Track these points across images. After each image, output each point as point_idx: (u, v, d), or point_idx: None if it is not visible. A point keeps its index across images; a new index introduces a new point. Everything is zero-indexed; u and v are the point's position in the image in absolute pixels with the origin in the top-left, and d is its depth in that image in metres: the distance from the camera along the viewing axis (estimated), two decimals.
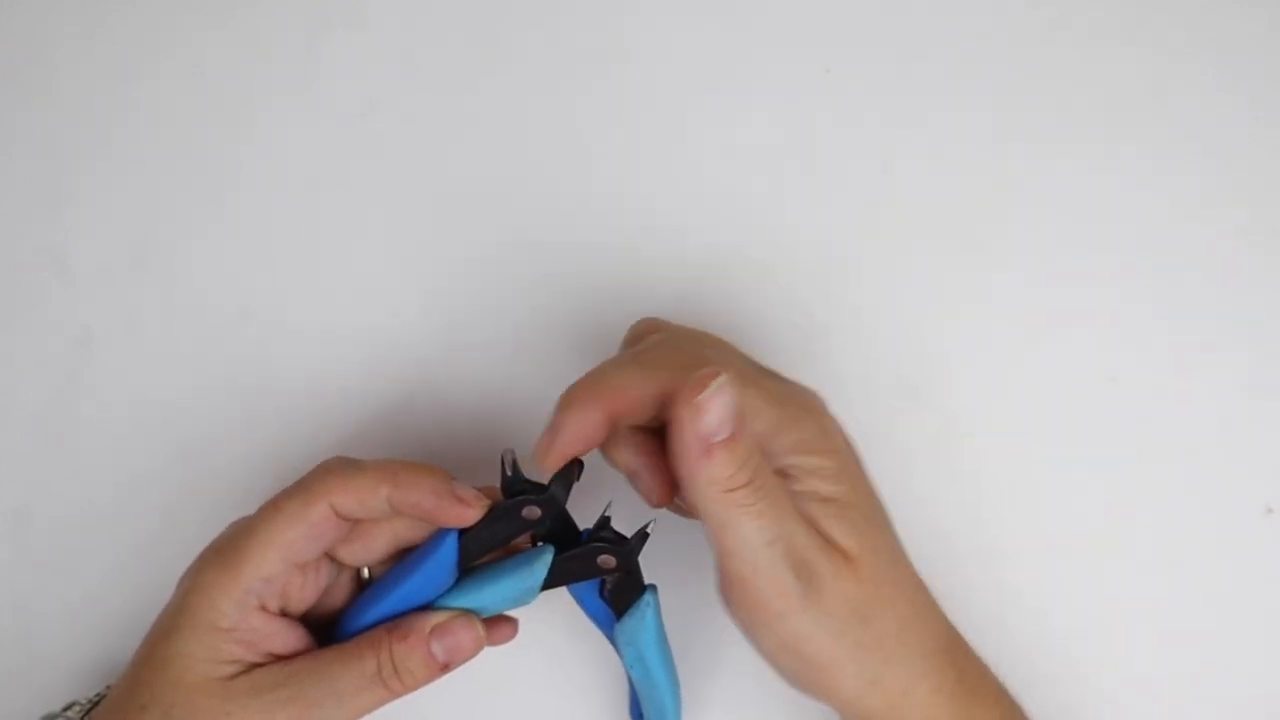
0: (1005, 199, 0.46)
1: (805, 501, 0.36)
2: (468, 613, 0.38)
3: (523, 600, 0.38)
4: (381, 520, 0.39)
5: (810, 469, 0.36)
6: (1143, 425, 0.45)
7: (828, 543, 0.36)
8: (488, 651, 0.38)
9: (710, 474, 0.35)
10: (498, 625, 0.41)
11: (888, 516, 0.38)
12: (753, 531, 0.35)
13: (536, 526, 0.38)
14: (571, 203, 0.47)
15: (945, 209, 0.46)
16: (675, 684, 0.40)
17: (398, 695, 0.37)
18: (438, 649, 0.37)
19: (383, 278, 0.47)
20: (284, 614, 0.38)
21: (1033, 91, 0.47)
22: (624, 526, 0.38)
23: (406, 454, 0.46)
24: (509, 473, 0.37)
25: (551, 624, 0.44)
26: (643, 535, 0.38)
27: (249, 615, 0.37)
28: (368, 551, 0.39)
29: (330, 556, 0.39)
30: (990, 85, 0.47)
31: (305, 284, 0.47)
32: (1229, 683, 0.44)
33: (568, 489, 0.38)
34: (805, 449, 0.37)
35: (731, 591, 0.36)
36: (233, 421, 0.46)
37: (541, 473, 0.37)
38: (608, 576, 0.38)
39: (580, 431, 0.36)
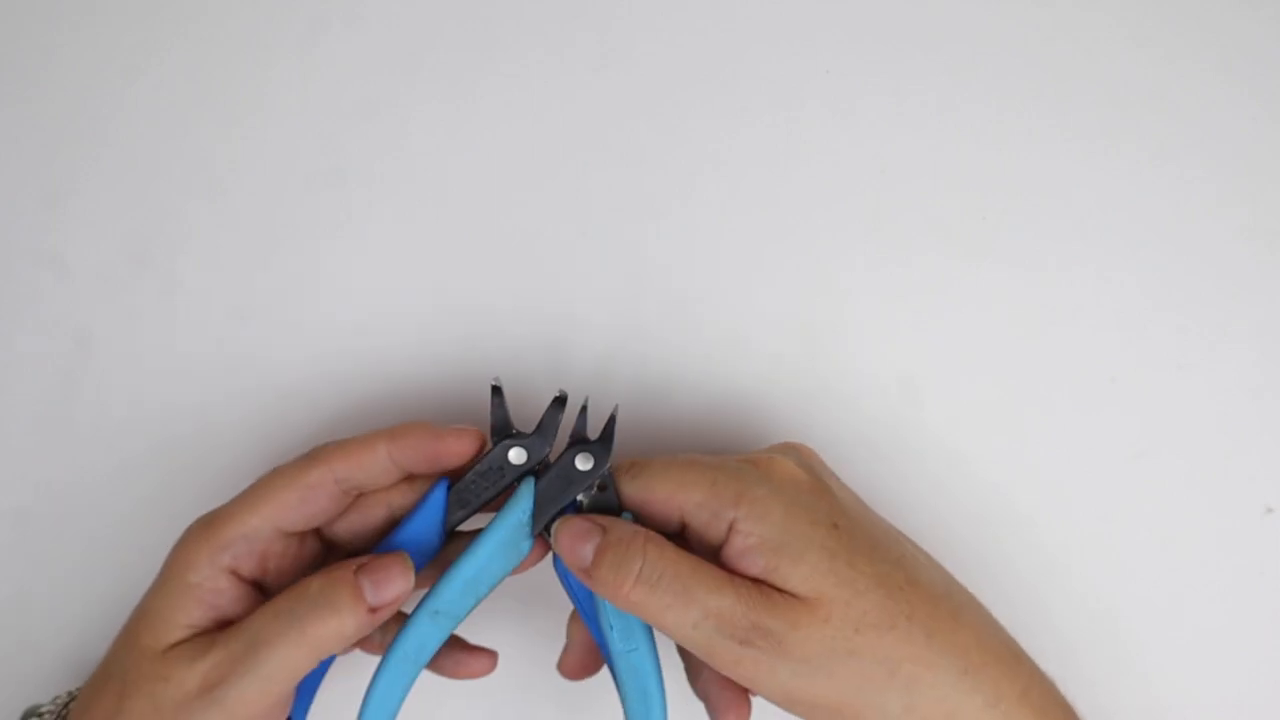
0: (1005, 199, 0.46)
1: (751, 555, 0.36)
2: (398, 551, 0.37)
3: (517, 548, 0.38)
4: (378, 490, 0.39)
5: (744, 517, 0.36)
6: (1143, 425, 0.45)
7: (778, 593, 0.35)
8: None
9: (601, 591, 0.36)
10: (476, 655, 0.41)
11: (867, 538, 0.37)
12: (670, 621, 0.35)
13: (524, 472, 0.38)
14: (573, 202, 0.47)
15: (945, 209, 0.46)
16: (655, 654, 0.39)
17: (323, 644, 0.35)
18: (365, 584, 0.36)
19: (382, 278, 0.47)
20: (260, 589, 0.38)
21: (1033, 91, 0.47)
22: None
23: None
24: (493, 389, 0.38)
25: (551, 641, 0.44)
26: (611, 420, 0.38)
27: (218, 575, 0.36)
28: (362, 523, 0.39)
29: (323, 536, 0.39)
30: (990, 85, 0.47)
31: (304, 284, 0.47)
32: (1229, 683, 0.44)
33: (555, 428, 0.38)
34: (735, 501, 0.36)
35: (701, 667, 0.38)
36: (232, 421, 0.46)
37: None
38: (584, 494, 0.38)
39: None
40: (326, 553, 0.40)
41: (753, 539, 0.36)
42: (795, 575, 0.35)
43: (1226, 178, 0.46)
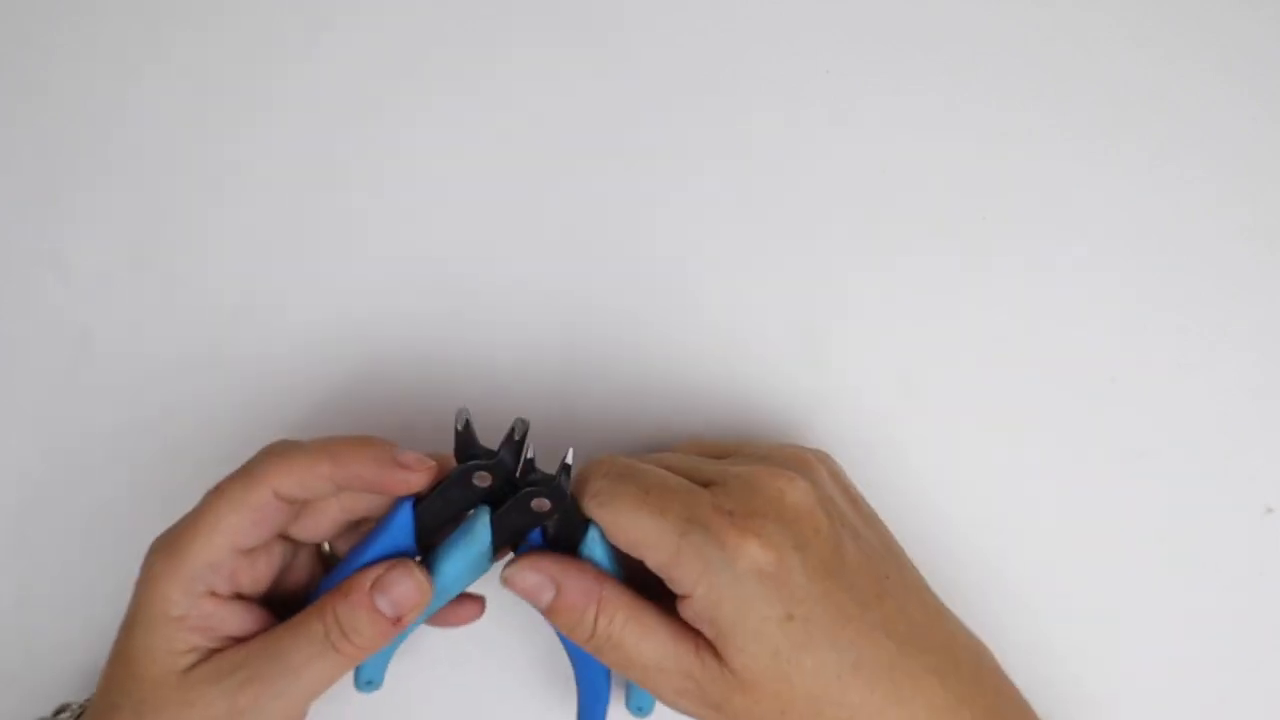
0: (1005, 199, 0.46)
1: (701, 624, 0.36)
2: (404, 560, 0.37)
3: (479, 567, 0.38)
4: (329, 497, 0.38)
5: (700, 597, 0.36)
6: (1143, 425, 0.45)
7: (721, 664, 0.36)
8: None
9: (560, 627, 0.37)
10: (465, 604, 0.41)
11: (829, 623, 0.36)
12: (621, 666, 0.37)
13: (490, 492, 0.38)
14: (571, 201, 0.47)
15: (945, 209, 0.46)
16: None
17: (353, 659, 0.37)
18: (382, 602, 0.36)
19: (382, 278, 0.47)
20: (240, 597, 0.38)
21: (1033, 91, 0.47)
22: (550, 466, 0.38)
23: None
24: (460, 429, 0.37)
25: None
26: (565, 466, 0.37)
27: (199, 602, 0.36)
28: (318, 526, 0.39)
29: (283, 536, 0.39)
30: (991, 85, 0.47)
31: (305, 285, 0.47)
32: (1229, 682, 0.44)
33: (518, 453, 0.38)
34: (694, 581, 0.36)
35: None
36: (232, 421, 0.46)
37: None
38: (548, 523, 0.38)
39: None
40: (296, 547, 0.40)
41: (704, 618, 0.36)
42: (736, 660, 0.36)
43: (1226, 178, 0.46)
